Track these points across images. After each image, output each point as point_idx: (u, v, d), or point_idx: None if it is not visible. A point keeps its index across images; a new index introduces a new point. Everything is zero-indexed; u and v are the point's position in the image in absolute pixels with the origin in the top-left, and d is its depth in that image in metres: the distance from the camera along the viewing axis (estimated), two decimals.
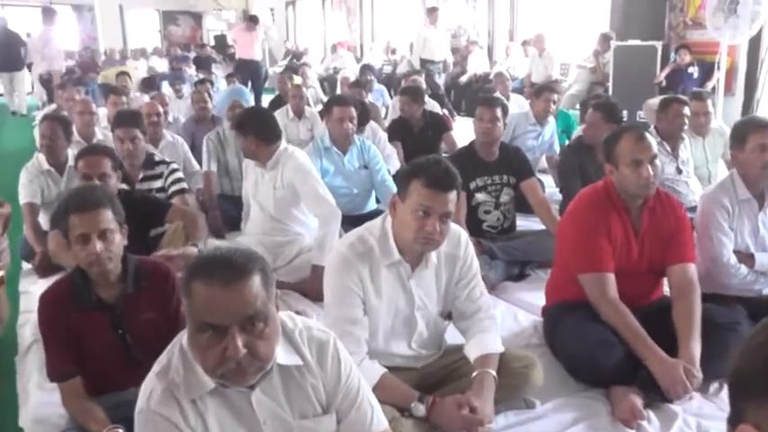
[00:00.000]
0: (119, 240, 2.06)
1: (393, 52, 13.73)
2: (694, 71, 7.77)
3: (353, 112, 4.19)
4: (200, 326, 1.32)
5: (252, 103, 4.97)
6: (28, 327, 3.19)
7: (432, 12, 9.90)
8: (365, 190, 4.31)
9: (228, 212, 4.53)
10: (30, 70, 12.21)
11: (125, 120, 3.67)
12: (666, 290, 2.72)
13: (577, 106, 8.70)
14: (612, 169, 2.60)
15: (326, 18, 17.27)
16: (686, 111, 4.51)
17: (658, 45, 7.90)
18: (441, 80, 10.13)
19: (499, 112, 3.75)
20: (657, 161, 2.55)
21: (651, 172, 2.52)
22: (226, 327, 1.30)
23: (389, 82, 11.49)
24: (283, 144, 3.58)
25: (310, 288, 3.37)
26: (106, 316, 2.09)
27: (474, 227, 3.62)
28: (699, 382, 2.34)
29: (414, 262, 2.21)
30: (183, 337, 1.44)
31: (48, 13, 10.79)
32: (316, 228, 3.59)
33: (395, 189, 4.25)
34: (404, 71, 12.44)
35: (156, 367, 1.44)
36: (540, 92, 5.31)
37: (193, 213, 3.11)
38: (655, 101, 7.42)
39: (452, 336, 2.46)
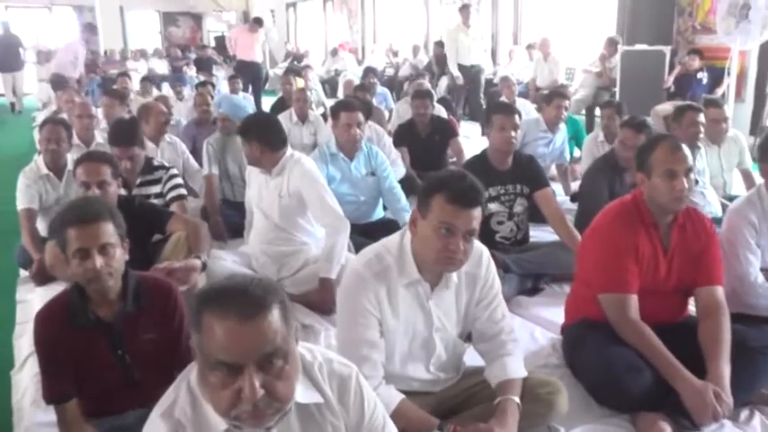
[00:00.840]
0: (120, 255, 1.94)
1: (395, 55, 13.62)
2: (703, 77, 7.64)
3: (361, 117, 4.07)
4: (213, 364, 1.19)
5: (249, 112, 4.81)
6: (25, 338, 3.06)
7: (464, 10, 8.97)
8: (372, 197, 4.18)
9: (231, 218, 4.41)
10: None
11: (121, 139, 3.50)
12: (692, 309, 2.61)
13: (583, 111, 8.58)
14: (644, 179, 2.49)
15: (327, 20, 17.16)
16: (701, 118, 4.39)
17: (667, 50, 7.78)
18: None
19: (518, 119, 3.64)
20: (692, 175, 2.43)
21: (685, 185, 2.40)
22: (241, 365, 1.18)
23: (391, 85, 11.38)
24: (289, 150, 3.45)
25: (318, 301, 3.25)
26: (104, 335, 1.98)
27: (486, 238, 3.49)
28: (729, 408, 2.21)
29: (433, 281, 2.08)
30: (190, 373, 1.32)
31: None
32: (322, 238, 3.48)
33: (403, 197, 4.18)
34: (406, 74, 12.40)
35: (159, 407, 1.32)
36: (551, 98, 5.19)
37: (196, 223, 2.98)
38: (663, 107, 7.33)
39: (470, 357, 2.34)
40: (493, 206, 3.56)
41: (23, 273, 3.87)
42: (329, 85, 13.08)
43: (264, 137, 3.36)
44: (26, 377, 2.72)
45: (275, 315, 1.20)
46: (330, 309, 3.15)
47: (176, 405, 1.29)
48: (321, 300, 3.23)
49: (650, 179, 2.45)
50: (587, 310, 2.59)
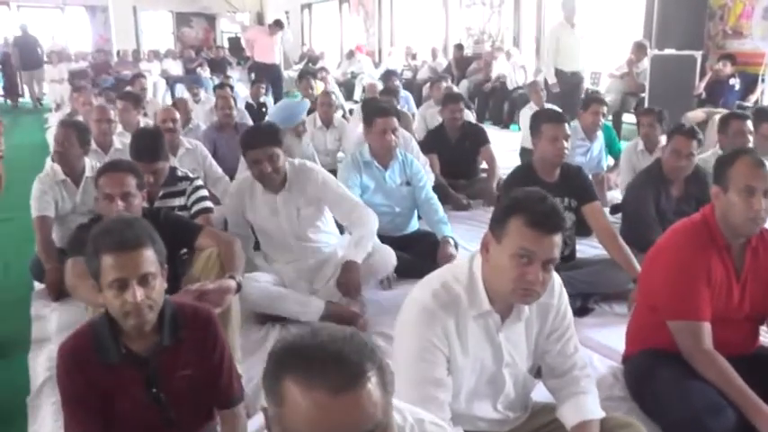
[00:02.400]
0: (160, 285, 1.72)
1: (413, 57, 13.40)
2: (736, 83, 7.39)
3: (396, 122, 3.86)
4: None
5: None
6: (41, 359, 2.86)
7: (567, 3, 7.59)
8: (407, 208, 3.96)
9: None
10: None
11: (145, 153, 3.20)
12: (763, 340, 2.45)
13: (610, 117, 8.32)
14: (719, 193, 2.29)
15: (343, 21, 16.94)
16: (748, 127, 4.17)
17: (698, 55, 7.52)
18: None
19: (569, 128, 3.41)
20: None
21: (763, 205, 2.20)
22: None
23: (409, 88, 11.15)
24: (287, 160, 3.23)
25: (343, 283, 3.06)
26: (138, 372, 1.76)
27: None
28: None
29: (504, 312, 1.86)
30: None
31: None
32: (340, 236, 3.42)
33: (440, 208, 3.94)
34: (424, 77, 12.19)
35: None
36: (588, 103, 4.98)
37: (229, 238, 2.73)
38: (695, 114, 7.10)
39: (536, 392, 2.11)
40: None
41: (38, 285, 3.66)
42: (345, 87, 12.88)
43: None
44: (44, 405, 2.51)
45: (374, 383, 0.97)
46: (355, 291, 3.07)
47: None
48: (346, 280, 3.06)
49: (726, 194, 2.26)
50: (654, 338, 2.40)
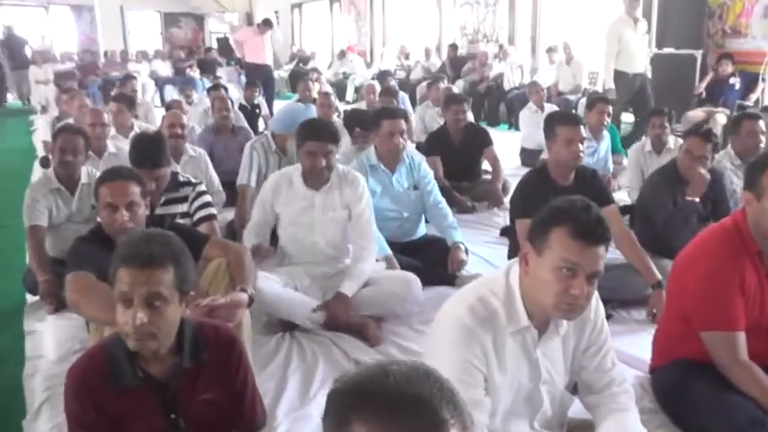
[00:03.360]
0: (173, 313, 1.58)
1: (407, 57, 13.28)
2: (736, 82, 7.32)
3: (404, 125, 3.74)
4: None
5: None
6: (37, 379, 2.69)
7: None
8: (416, 213, 3.83)
9: None
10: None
11: (146, 159, 3.10)
12: None
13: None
14: (752, 199, 2.19)
15: (334, 21, 16.80)
16: (761, 127, 4.08)
17: (698, 54, 7.46)
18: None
19: (584, 130, 3.30)
20: None
21: None
22: None
23: (403, 89, 11.02)
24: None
25: (331, 315, 2.95)
26: (155, 397, 1.62)
27: None
28: None
29: (541, 327, 1.76)
30: None
31: None
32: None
33: (450, 213, 3.82)
34: (418, 77, 12.07)
35: None
36: (594, 103, 4.88)
37: (238, 248, 2.59)
38: (695, 113, 7.03)
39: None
40: None
41: (31, 298, 3.49)
42: (337, 88, 12.73)
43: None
44: (41, 428, 2.34)
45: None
46: (340, 323, 2.94)
47: None
48: (333, 311, 2.94)
49: (759, 201, 2.17)
50: (685, 348, 2.29)
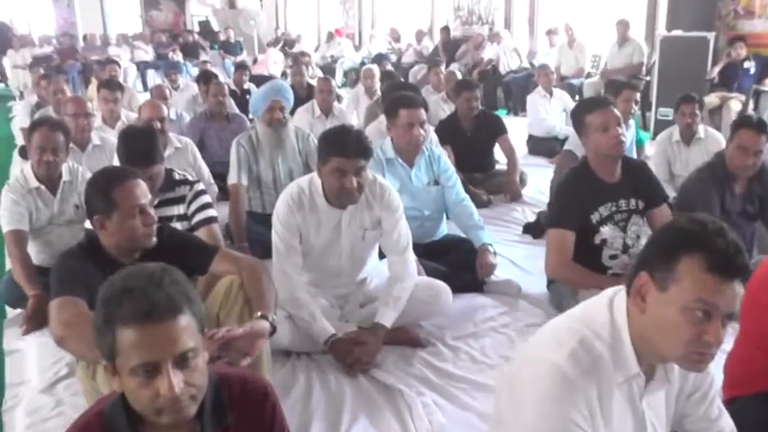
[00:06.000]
0: (203, 363, 1.23)
1: (397, 40, 12.84)
2: (751, 66, 7.02)
3: (424, 114, 3.37)
4: None
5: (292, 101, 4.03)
6: (18, 412, 2.33)
7: None
8: (437, 211, 3.48)
9: (258, 236, 3.67)
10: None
11: (139, 157, 2.73)
12: None
13: None
14: None
15: (320, 2, 16.28)
16: None
17: (710, 36, 7.12)
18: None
19: (617, 112, 2.94)
20: None
21: None
22: None
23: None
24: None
25: (364, 349, 2.53)
26: None
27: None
28: None
29: (648, 372, 1.42)
30: None
31: None
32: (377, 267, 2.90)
33: (475, 211, 3.46)
34: (410, 60, 11.66)
35: None
36: (620, 90, 4.51)
37: (253, 263, 2.18)
38: (709, 99, 6.71)
39: None
40: (606, 230, 2.84)
41: (11, 311, 3.09)
42: (325, 72, 12.27)
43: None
44: None
45: None
46: (371, 363, 2.52)
47: None
48: (369, 350, 2.53)
49: None
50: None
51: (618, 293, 1.43)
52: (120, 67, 8.23)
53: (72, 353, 2.00)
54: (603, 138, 2.83)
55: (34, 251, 3.13)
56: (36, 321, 2.80)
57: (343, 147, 2.51)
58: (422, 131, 3.33)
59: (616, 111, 2.92)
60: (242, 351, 1.81)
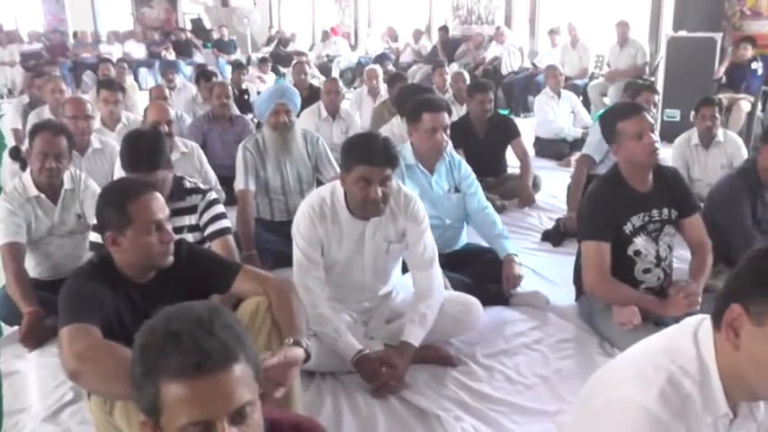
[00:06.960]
0: (259, 416, 1.06)
1: (394, 39, 12.66)
2: (758, 67, 6.91)
3: (447, 119, 3.22)
4: None
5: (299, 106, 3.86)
6: None
7: None
8: (458, 220, 3.32)
9: (267, 245, 3.51)
10: None
11: (140, 162, 2.58)
12: None
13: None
14: None
15: (315, 0, 16.08)
16: None
17: (718, 37, 7.00)
18: None
19: (649, 118, 2.80)
20: None
21: None
22: None
23: None
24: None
25: (391, 369, 2.38)
26: None
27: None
28: None
29: (733, 410, 1.28)
30: None
31: None
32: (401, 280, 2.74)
33: (498, 219, 3.30)
34: (408, 60, 11.49)
35: None
36: (638, 91, 4.37)
37: (280, 283, 2.00)
38: None
39: None
40: (639, 241, 2.70)
41: (7, 329, 2.90)
42: (321, 72, 12.08)
43: None
44: None
45: None
46: (398, 384, 2.36)
47: None
48: (397, 373, 2.38)
49: None
50: None
51: (702, 324, 1.28)
52: (113, 65, 7.98)
53: (87, 389, 1.81)
54: (638, 146, 2.68)
55: (32, 263, 2.95)
56: (32, 340, 2.63)
57: (370, 154, 2.35)
58: (445, 137, 3.17)
59: (649, 117, 2.78)
60: (276, 381, 1.64)
